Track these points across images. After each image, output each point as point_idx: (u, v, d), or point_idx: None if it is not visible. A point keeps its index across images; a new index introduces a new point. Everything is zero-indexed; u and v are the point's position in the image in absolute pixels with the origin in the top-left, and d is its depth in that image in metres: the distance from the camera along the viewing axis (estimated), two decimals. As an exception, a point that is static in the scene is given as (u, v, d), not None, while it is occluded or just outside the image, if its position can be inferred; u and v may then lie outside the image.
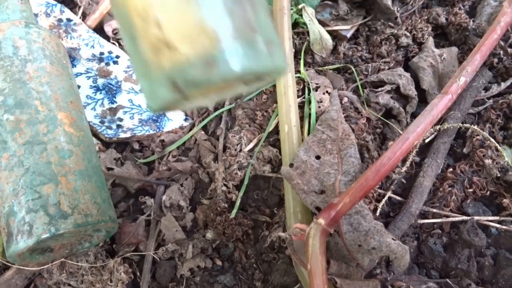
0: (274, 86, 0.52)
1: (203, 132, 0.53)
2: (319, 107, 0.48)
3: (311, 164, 0.41)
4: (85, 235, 0.42)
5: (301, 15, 0.55)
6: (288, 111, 0.46)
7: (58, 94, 0.43)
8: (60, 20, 0.59)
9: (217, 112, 0.53)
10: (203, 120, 0.54)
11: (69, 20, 0.59)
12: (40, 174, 0.38)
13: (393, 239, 0.37)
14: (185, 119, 0.54)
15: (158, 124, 0.54)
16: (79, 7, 0.62)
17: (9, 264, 0.43)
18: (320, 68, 0.53)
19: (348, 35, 0.56)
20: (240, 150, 0.48)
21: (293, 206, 0.41)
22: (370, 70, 0.53)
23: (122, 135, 0.52)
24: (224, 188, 0.46)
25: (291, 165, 0.42)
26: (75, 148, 0.41)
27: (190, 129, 0.54)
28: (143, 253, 0.45)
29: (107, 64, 0.57)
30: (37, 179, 0.38)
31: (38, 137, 0.40)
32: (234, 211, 0.45)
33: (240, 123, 0.50)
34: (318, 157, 0.41)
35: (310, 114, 0.48)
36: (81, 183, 0.40)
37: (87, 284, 0.43)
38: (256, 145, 0.49)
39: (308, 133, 0.46)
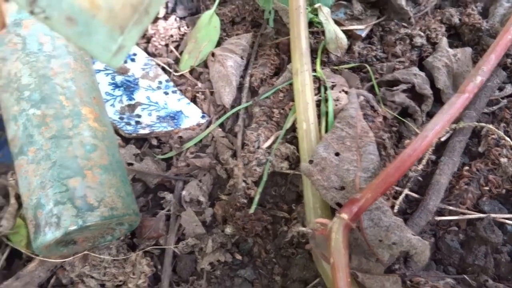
0: (291, 84, 0.52)
1: (220, 129, 0.53)
2: (336, 105, 0.48)
3: (330, 160, 0.42)
4: (108, 228, 0.43)
5: (316, 15, 0.56)
6: (306, 108, 0.47)
7: (82, 89, 0.44)
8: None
9: (234, 110, 0.54)
10: (219, 117, 0.55)
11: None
12: (66, 168, 0.39)
13: (413, 234, 0.37)
14: (202, 117, 0.55)
15: (175, 121, 0.55)
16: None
17: (33, 256, 0.44)
18: (336, 67, 0.54)
19: (363, 34, 0.56)
20: (258, 147, 0.49)
21: (313, 202, 0.42)
22: (385, 69, 0.53)
23: (141, 131, 0.52)
24: (243, 184, 0.47)
25: (310, 161, 0.42)
26: (99, 142, 0.42)
27: (207, 126, 0.54)
28: (164, 247, 0.45)
29: (125, 61, 0.58)
30: (64, 172, 0.39)
31: (64, 132, 0.41)
32: (254, 206, 0.46)
33: (258, 120, 0.51)
34: (337, 154, 0.42)
35: (327, 112, 0.49)
36: (106, 177, 0.40)
37: (109, 276, 0.44)
38: (273, 142, 0.50)
39: (326, 131, 0.47)
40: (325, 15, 0.53)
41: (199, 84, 0.58)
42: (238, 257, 0.45)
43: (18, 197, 0.44)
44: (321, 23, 0.54)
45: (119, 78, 0.57)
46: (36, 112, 0.41)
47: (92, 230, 0.40)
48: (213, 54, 0.57)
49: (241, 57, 0.57)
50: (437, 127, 0.40)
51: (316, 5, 0.54)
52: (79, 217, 0.38)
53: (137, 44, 0.60)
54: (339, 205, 0.40)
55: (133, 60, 0.58)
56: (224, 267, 0.44)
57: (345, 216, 0.35)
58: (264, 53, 0.57)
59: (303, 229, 0.39)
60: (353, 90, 0.48)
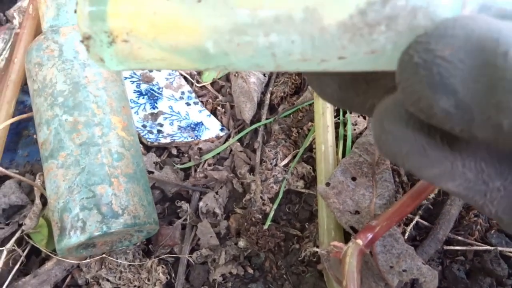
0: (310, 105, 0.54)
1: (238, 144, 0.55)
2: (354, 129, 0.50)
3: (347, 185, 0.43)
4: (127, 234, 0.44)
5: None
6: (326, 131, 0.48)
7: (112, 98, 0.46)
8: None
9: (253, 126, 0.55)
10: (238, 131, 0.56)
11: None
12: (94, 174, 0.41)
13: (423, 263, 0.39)
14: (221, 129, 0.57)
15: (196, 132, 0.56)
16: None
17: (51, 255, 0.46)
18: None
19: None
20: (276, 165, 0.50)
21: (327, 223, 0.44)
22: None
23: (163, 140, 0.54)
24: (259, 199, 0.48)
25: (327, 184, 0.44)
26: (126, 151, 0.44)
27: (226, 140, 0.56)
28: (179, 256, 0.47)
29: (150, 70, 0.60)
30: (92, 179, 0.41)
31: (94, 139, 0.42)
32: (268, 222, 0.47)
33: (276, 138, 0.53)
34: (354, 179, 0.44)
35: (344, 135, 0.50)
36: (130, 186, 0.42)
37: (125, 280, 0.45)
38: (290, 161, 0.51)
39: (343, 154, 0.49)
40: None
41: (220, 97, 0.60)
42: (250, 270, 0.46)
43: (42, 198, 0.46)
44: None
45: (144, 86, 0.58)
46: (68, 118, 0.42)
47: (113, 235, 0.42)
48: (236, 70, 0.59)
49: (264, 74, 0.58)
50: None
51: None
52: (103, 223, 0.39)
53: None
54: (353, 228, 0.41)
55: (157, 69, 0.60)
56: (236, 279, 0.46)
57: (360, 242, 0.36)
58: (285, 72, 0.59)
59: (317, 250, 0.41)
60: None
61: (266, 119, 0.56)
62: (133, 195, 0.42)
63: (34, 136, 0.55)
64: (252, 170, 0.52)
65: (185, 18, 0.17)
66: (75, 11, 0.19)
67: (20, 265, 0.45)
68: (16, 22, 0.61)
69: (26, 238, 0.46)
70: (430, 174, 0.15)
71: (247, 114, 0.56)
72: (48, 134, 0.43)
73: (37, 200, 0.45)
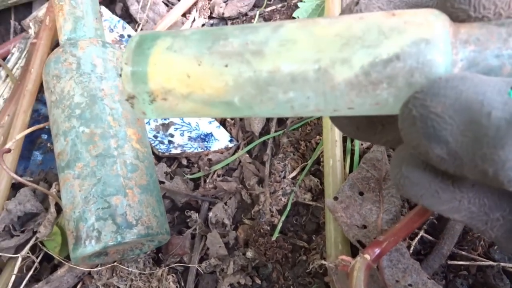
0: (319, 118, 0.55)
1: (247, 155, 0.56)
2: (362, 144, 0.51)
3: (354, 199, 0.44)
4: (139, 243, 0.45)
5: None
6: (334, 146, 0.49)
7: (128, 111, 0.47)
8: (122, 36, 0.63)
9: (263, 138, 0.56)
10: (247, 143, 0.58)
11: (130, 36, 0.63)
12: (110, 185, 0.42)
13: (428, 278, 0.40)
14: (230, 141, 0.58)
15: (205, 143, 0.57)
16: (138, 24, 0.66)
17: (64, 262, 0.47)
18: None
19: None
20: (284, 177, 0.52)
21: (334, 237, 0.45)
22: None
23: (173, 151, 0.55)
24: (267, 211, 0.49)
25: (335, 198, 0.45)
26: (140, 163, 0.45)
27: (235, 151, 0.57)
28: (189, 265, 0.48)
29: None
30: (107, 190, 0.42)
31: (110, 151, 0.43)
32: (276, 234, 0.48)
33: (285, 151, 0.54)
34: (361, 194, 0.45)
35: (351, 150, 0.51)
36: (144, 197, 0.43)
37: (135, 289, 0.46)
38: (298, 174, 0.52)
39: (350, 168, 0.50)
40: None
41: (229, 109, 0.61)
42: (258, 281, 0.48)
43: (56, 206, 0.47)
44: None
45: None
46: (85, 130, 0.44)
47: (126, 245, 0.43)
48: (246, 83, 0.60)
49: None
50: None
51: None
52: (118, 233, 0.40)
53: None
54: (360, 242, 0.42)
55: (169, 80, 0.61)
56: (244, 289, 0.47)
57: (368, 256, 0.38)
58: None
59: (325, 263, 0.42)
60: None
61: (275, 131, 0.57)
62: (146, 205, 0.43)
63: (49, 145, 0.56)
64: (260, 182, 0.53)
65: (215, 79, 0.20)
66: (120, 75, 0.23)
67: (34, 271, 0.46)
68: (31, 31, 0.62)
69: (40, 245, 0.47)
70: (440, 209, 0.18)
71: (256, 126, 0.57)
72: (65, 145, 0.44)
73: (52, 209, 0.46)
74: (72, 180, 0.43)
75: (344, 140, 0.53)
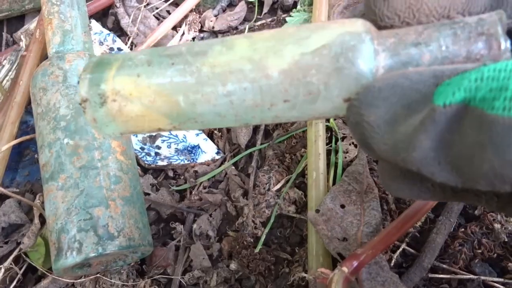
0: (304, 132, 0.56)
1: (233, 167, 0.57)
2: (345, 157, 0.52)
3: (336, 212, 0.45)
4: (122, 255, 0.46)
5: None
6: (317, 159, 0.50)
7: (112, 123, 0.47)
8: (111, 48, 0.64)
9: (248, 151, 0.57)
10: (234, 155, 0.58)
11: (119, 49, 0.64)
12: (92, 197, 0.42)
13: (407, 291, 0.40)
14: (217, 152, 0.59)
15: (192, 155, 0.58)
16: (129, 37, 0.67)
17: (47, 274, 0.47)
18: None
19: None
20: (269, 189, 0.52)
21: (316, 249, 0.45)
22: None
23: (160, 163, 0.56)
24: (251, 223, 0.50)
25: (317, 210, 0.45)
26: (124, 175, 0.45)
27: (222, 163, 0.58)
28: (172, 277, 0.48)
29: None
30: (89, 201, 0.42)
31: (93, 163, 0.44)
32: (259, 246, 0.49)
33: (270, 163, 0.54)
34: (343, 206, 0.45)
35: (335, 163, 0.52)
36: (127, 209, 0.44)
37: (118, 300, 0.46)
38: (283, 186, 0.53)
39: (334, 181, 0.50)
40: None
41: (217, 121, 0.62)
42: (241, 293, 0.48)
43: (40, 217, 0.48)
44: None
45: (143, 109, 0.60)
46: (69, 142, 0.44)
47: (109, 256, 0.43)
48: (233, 95, 0.61)
49: (259, 101, 0.61)
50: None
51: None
52: (99, 245, 0.41)
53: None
54: (340, 255, 0.43)
55: (157, 93, 0.62)
56: (227, 302, 0.47)
57: (345, 269, 0.38)
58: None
59: (306, 275, 0.42)
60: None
61: (261, 144, 0.58)
62: (129, 217, 0.43)
63: (36, 156, 0.57)
64: (245, 194, 0.54)
65: (161, 77, 0.22)
66: (78, 82, 0.25)
67: (17, 282, 0.46)
68: (22, 44, 0.63)
69: (24, 256, 0.48)
70: (426, 200, 0.21)
71: (242, 139, 0.58)
72: (49, 157, 0.44)
73: (36, 220, 0.46)
74: (55, 191, 0.43)
75: (329, 153, 0.54)
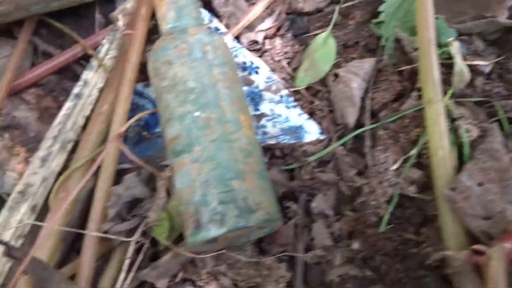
0: (418, 111, 0.54)
1: (341, 147, 0.55)
2: (468, 136, 0.50)
3: (474, 190, 0.43)
4: (252, 230, 0.45)
5: (440, 46, 0.58)
6: (441, 137, 0.48)
7: (237, 97, 0.47)
8: (208, 28, 0.63)
9: (359, 130, 0.56)
10: (339, 136, 0.57)
11: (217, 29, 0.63)
12: (229, 170, 0.42)
13: None
14: (321, 133, 0.57)
15: (297, 134, 0.57)
16: (223, 17, 0.66)
17: (170, 248, 0.46)
18: (459, 100, 0.56)
19: (486, 70, 0.58)
20: (387, 169, 0.51)
21: (453, 228, 0.43)
22: (509, 106, 0.55)
23: (269, 142, 0.55)
24: (374, 203, 0.48)
25: (452, 189, 0.44)
26: (253, 149, 0.45)
27: (328, 143, 0.57)
28: (296, 255, 0.47)
29: (250, 73, 0.61)
30: (227, 174, 0.41)
31: (226, 136, 0.43)
32: (383, 225, 0.47)
33: (384, 143, 0.53)
34: (480, 184, 0.44)
35: (458, 142, 0.50)
36: (260, 182, 0.43)
37: (244, 276, 0.45)
38: (400, 166, 0.51)
39: (459, 160, 0.48)
40: (456, 49, 0.55)
41: (316, 102, 0.61)
42: (368, 273, 0.46)
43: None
44: (452, 56, 0.56)
45: (245, 89, 0.59)
46: (201, 115, 0.44)
47: (245, 230, 0.42)
48: (336, 75, 0.60)
49: (363, 80, 0.59)
50: None
51: (449, 39, 0.56)
52: (241, 217, 0.40)
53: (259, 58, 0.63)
54: (485, 233, 0.41)
55: (256, 72, 0.61)
56: (355, 281, 0.46)
57: (508, 245, 0.36)
58: (386, 79, 0.59)
59: (449, 253, 0.40)
60: (494, 125, 0.49)
61: (369, 124, 0.56)
62: (263, 191, 0.43)
63: (143, 134, 0.57)
64: (359, 174, 0.52)
65: None
66: None
67: (144, 256, 0.46)
68: (120, 23, 0.63)
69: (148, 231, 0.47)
70: None
71: (350, 118, 0.56)
72: (180, 130, 0.44)
73: (163, 194, 0.46)
74: (189, 164, 0.43)
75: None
